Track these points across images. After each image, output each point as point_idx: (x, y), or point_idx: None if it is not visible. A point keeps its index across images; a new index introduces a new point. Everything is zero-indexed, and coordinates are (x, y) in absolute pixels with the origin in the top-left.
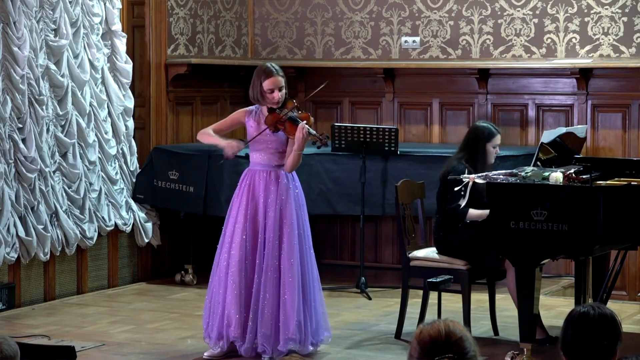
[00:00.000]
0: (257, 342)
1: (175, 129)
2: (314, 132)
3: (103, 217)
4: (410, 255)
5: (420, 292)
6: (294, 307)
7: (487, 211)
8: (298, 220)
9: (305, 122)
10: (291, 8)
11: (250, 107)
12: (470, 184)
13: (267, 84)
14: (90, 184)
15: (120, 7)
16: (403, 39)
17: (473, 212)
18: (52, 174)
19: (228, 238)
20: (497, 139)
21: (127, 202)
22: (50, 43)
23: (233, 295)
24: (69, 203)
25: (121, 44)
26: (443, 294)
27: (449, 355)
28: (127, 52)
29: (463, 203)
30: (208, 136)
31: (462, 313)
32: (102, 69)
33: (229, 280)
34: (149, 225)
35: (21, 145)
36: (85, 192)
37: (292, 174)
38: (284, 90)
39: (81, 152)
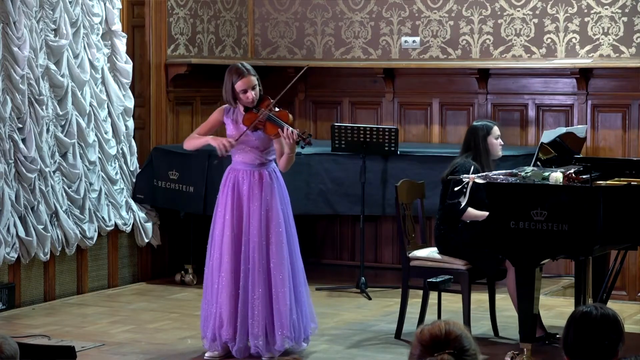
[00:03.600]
0: (250, 343)
1: (175, 129)
2: (298, 132)
3: (103, 217)
4: (410, 255)
5: (420, 292)
6: (287, 306)
7: (486, 212)
8: (284, 217)
9: (289, 126)
10: (291, 8)
11: (227, 105)
12: (471, 183)
13: (239, 85)
14: (90, 184)
15: (120, 7)
16: (403, 39)
17: (473, 211)
18: (52, 174)
19: (217, 239)
20: (496, 130)
21: (127, 202)
22: (50, 43)
23: (225, 296)
24: (69, 203)
25: (121, 44)
26: (443, 294)
27: (449, 351)
28: (127, 52)
29: (463, 202)
30: (194, 140)
31: (462, 313)
32: (102, 69)
33: (221, 281)
34: (149, 225)
35: (21, 145)
36: (85, 192)
37: (274, 170)
38: (257, 89)
39: (81, 152)
